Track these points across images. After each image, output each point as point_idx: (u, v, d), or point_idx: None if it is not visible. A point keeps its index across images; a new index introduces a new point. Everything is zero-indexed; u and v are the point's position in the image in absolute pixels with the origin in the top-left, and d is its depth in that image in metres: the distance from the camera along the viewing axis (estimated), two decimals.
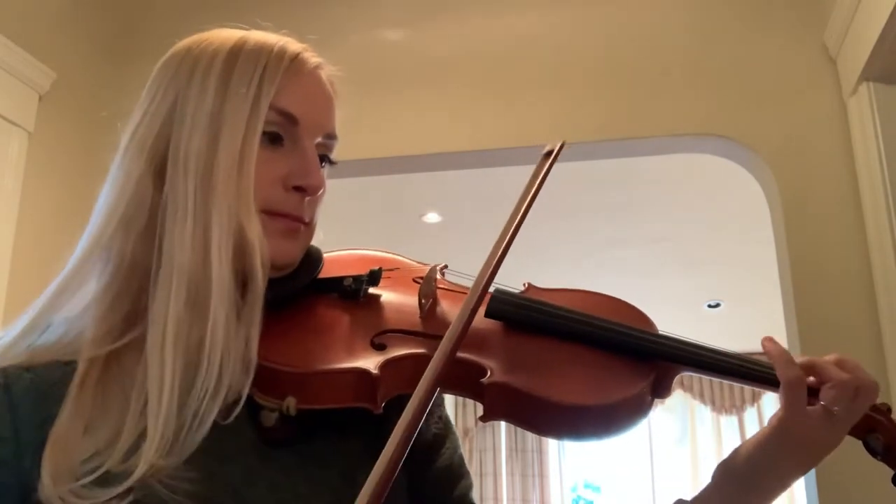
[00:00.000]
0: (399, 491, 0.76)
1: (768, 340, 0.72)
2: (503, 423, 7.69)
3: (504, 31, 2.44)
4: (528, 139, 2.26)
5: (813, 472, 1.94)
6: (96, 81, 2.48)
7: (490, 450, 7.16)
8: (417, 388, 0.58)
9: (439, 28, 2.50)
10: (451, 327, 0.64)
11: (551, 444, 7.32)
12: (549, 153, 0.84)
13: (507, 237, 0.72)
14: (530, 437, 7.27)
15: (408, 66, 2.45)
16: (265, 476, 0.67)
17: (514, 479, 7.15)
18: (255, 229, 0.69)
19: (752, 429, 7.00)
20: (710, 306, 5.73)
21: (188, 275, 0.67)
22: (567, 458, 7.35)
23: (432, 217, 4.26)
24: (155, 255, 0.69)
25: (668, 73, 2.29)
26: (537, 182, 0.80)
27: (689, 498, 0.75)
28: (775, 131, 2.18)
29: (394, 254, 0.89)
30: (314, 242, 0.80)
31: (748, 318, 5.44)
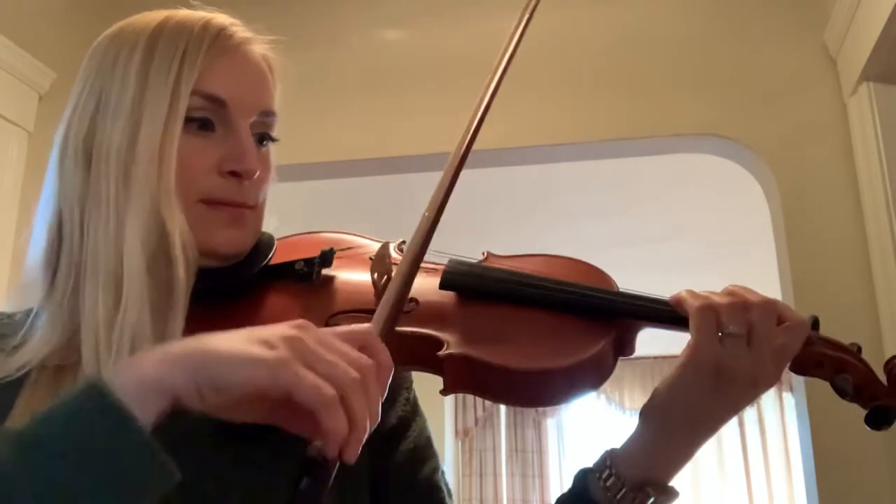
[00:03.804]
0: (358, 480, 0.75)
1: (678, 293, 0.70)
2: (503, 423, 7.66)
3: (504, 32, 2.44)
4: (527, 140, 2.26)
5: (813, 471, 1.94)
6: None
7: (490, 450, 7.15)
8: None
9: (439, 28, 2.50)
10: (381, 301, 0.62)
11: (551, 444, 7.32)
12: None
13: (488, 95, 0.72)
14: (530, 437, 7.27)
15: (408, 66, 2.45)
16: (216, 467, 0.66)
17: (514, 479, 7.15)
18: (176, 222, 0.66)
19: (752, 428, 7.00)
20: None
21: (112, 275, 0.65)
22: (567, 458, 7.35)
23: None
24: (83, 256, 0.67)
25: (668, 73, 2.29)
26: (522, 24, 0.79)
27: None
28: (775, 131, 2.18)
29: (350, 233, 0.86)
30: (272, 231, 0.78)
31: None
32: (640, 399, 7.06)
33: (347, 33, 2.51)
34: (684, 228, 4.44)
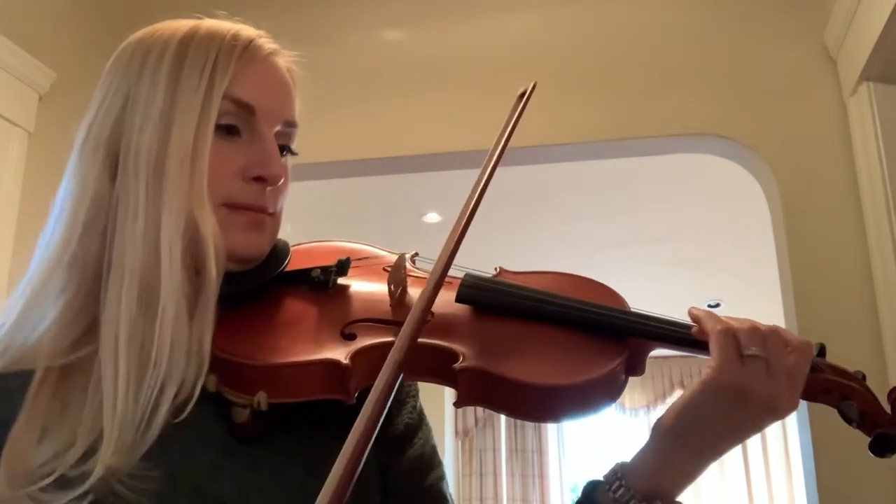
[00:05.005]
0: (371, 483, 0.75)
1: (694, 308, 0.71)
2: (503, 423, 7.67)
3: (504, 31, 2.44)
4: (528, 139, 2.26)
5: (813, 471, 1.94)
6: (96, 81, 2.47)
7: (490, 450, 7.16)
8: (380, 374, 0.57)
9: (439, 28, 2.50)
10: (411, 311, 0.63)
11: (551, 444, 7.32)
12: (522, 94, 0.83)
13: (479, 190, 0.72)
14: (530, 437, 7.27)
15: (408, 66, 2.45)
16: (230, 471, 0.66)
17: (514, 479, 7.15)
18: (208, 224, 0.67)
19: None
20: (710, 306, 5.73)
21: (139, 274, 0.66)
22: (567, 458, 7.35)
23: (432, 217, 4.26)
24: (107, 255, 0.68)
25: (668, 73, 2.29)
26: (511, 123, 0.80)
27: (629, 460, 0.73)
28: (775, 131, 2.18)
29: (364, 244, 0.87)
30: (284, 237, 0.79)
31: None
32: (641, 399, 7.07)
33: (347, 34, 2.51)
34: (684, 228, 4.44)
